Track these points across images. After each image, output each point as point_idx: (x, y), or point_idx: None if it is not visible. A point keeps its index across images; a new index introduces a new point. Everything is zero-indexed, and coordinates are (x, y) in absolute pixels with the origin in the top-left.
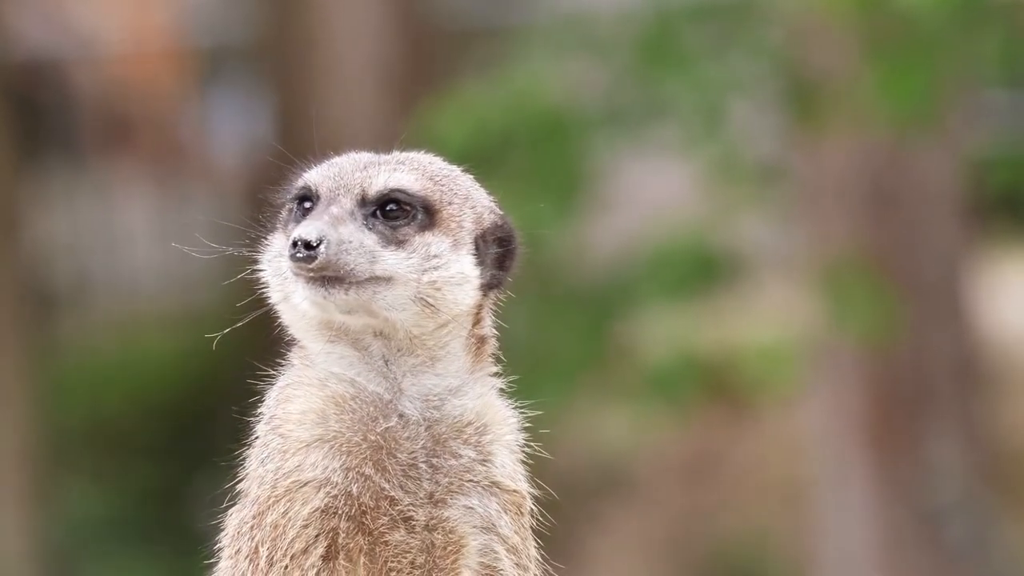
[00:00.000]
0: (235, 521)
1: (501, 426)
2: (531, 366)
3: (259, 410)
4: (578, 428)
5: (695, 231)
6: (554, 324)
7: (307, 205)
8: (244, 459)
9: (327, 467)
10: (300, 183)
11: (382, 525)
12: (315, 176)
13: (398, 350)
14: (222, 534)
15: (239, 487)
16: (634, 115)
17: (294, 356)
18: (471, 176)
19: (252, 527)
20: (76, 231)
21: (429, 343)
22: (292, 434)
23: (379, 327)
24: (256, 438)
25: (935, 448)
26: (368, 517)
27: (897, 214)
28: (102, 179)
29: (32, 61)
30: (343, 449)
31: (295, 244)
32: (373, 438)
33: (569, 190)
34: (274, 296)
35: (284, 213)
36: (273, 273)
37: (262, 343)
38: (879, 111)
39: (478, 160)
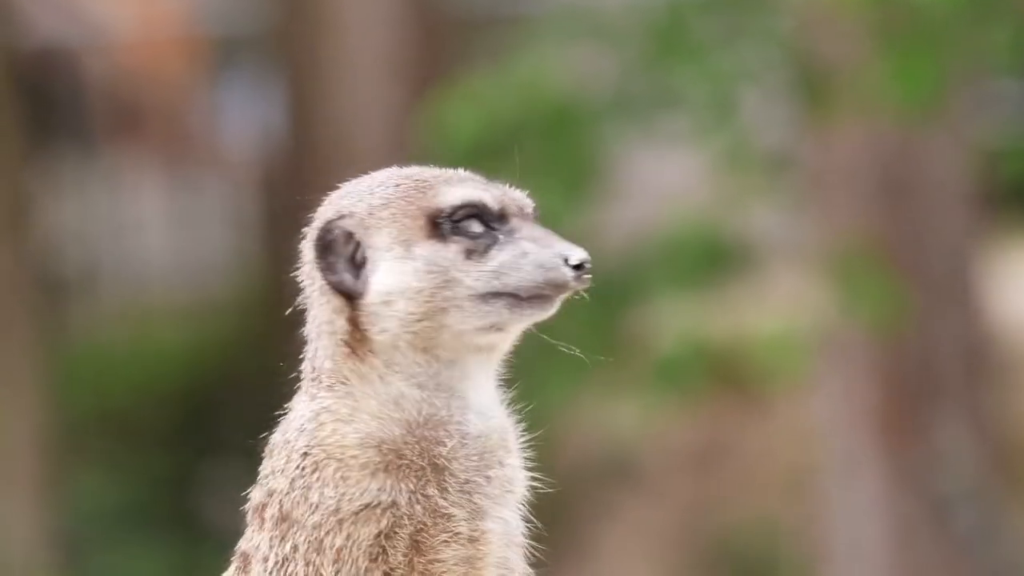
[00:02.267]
0: (285, 547)
1: (513, 427)
2: (540, 357)
3: (302, 428)
4: (587, 418)
5: (705, 221)
6: (562, 314)
7: (474, 223)
8: (279, 480)
9: (391, 490)
10: (463, 199)
11: (438, 543)
12: (484, 195)
13: (486, 365)
14: (261, 559)
15: (272, 511)
16: (644, 104)
17: (343, 368)
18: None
19: (308, 550)
20: (86, 219)
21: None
22: (355, 459)
23: (497, 343)
24: (306, 459)
25: (944, 437)
26: (426, 535)
27: (906, 203)
28: (112, 167)
29: (43, 50)
30: (407, 473)
31: (579, 265)
32: (439, 462)
33: (579, 180)
34: (417, 306)
35: (445, 224)
36: (438, 284)
37: (271, 333)
38: (889, 100)
39: (488, 150)
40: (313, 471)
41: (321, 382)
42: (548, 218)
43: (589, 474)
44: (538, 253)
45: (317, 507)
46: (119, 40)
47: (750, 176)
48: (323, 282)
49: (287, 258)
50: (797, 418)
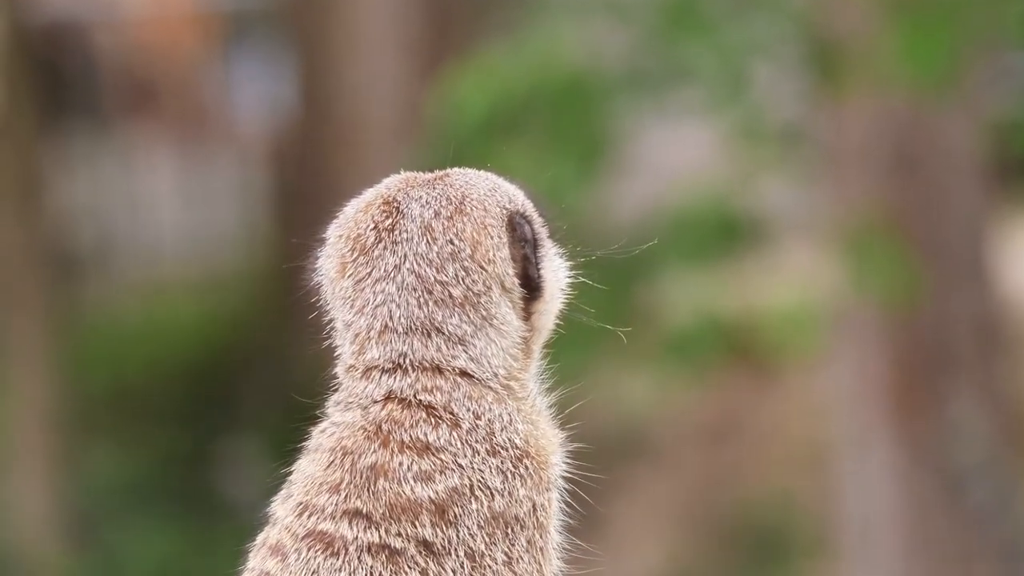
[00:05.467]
0: (512, 547)
1: None
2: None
3: (506, 429)
4: (601, 393)
5: (718, 195)
6: (576, 289)
7: None
8: (485, 477)
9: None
10: None
11: None
12: None
13: None
14: (467, 554)
15: (473, 509)
16: (656, 78)
17: (514, 370)
18: None
19: (534, 550)
20: (99, 195)
21: None
22: (556, 466)
23: None
24: (523, 461)
25: (957, 410)
26: None
27: (919, 177)
28: (125, 143)
29: (55, 25)
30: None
31: None
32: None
33: (591, 154)
34: (559, 306)
35: None
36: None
37: (284, 307)
38: (902, 73)
39: (500, 125)
40: (531, 474)
41: (496, 382)
42: (560, 192)
43: (602, 448)
44: None
45: (543, 509)
46: (131, 15)
47: (762, 150)
48: (511, 276)
49: (299, 232)
50: (810, 392)
